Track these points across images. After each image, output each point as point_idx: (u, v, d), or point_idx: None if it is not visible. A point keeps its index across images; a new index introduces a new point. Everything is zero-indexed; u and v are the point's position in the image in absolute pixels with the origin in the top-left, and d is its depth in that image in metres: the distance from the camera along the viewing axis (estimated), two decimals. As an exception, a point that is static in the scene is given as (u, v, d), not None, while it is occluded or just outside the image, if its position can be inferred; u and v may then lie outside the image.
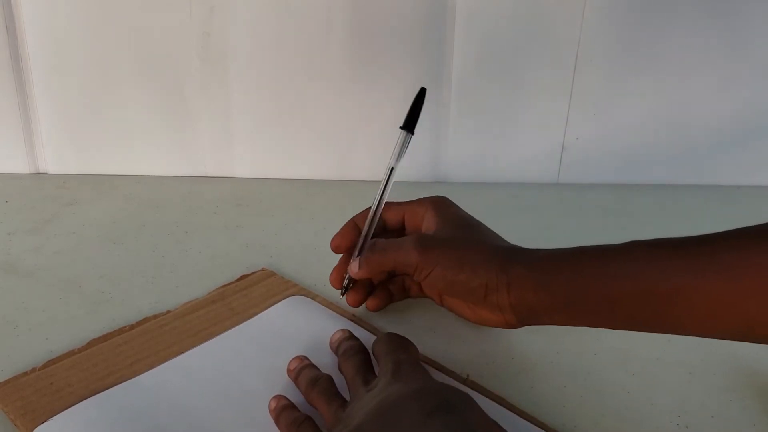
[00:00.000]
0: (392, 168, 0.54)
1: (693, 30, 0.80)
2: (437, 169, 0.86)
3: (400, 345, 0.46)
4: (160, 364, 0.50)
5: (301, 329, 0.54)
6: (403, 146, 0.54)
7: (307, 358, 0.49)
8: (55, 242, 0.70)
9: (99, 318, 0.57)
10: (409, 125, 0.54)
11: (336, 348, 0.50)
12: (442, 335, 0.55)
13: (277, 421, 0.44)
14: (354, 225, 0.56)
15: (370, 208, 0.55)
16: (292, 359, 0.49)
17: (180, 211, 0.77)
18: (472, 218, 0.54)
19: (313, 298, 0.59)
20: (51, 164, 0.85)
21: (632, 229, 0.76)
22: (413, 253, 0.50)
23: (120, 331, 0.54)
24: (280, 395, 0.45)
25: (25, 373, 0.49)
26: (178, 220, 0.75)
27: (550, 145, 0.85)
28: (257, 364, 0.50)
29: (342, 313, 0.57)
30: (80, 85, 0.82)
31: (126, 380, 0.48)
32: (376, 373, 0.45)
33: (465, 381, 0.49)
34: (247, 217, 0.77)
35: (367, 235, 0.54)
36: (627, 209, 0.81)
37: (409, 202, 0.55)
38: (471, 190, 0.83)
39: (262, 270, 0.64)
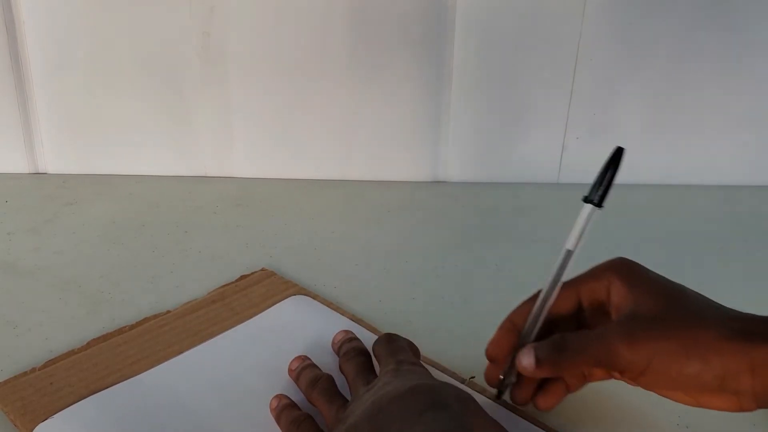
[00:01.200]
0: (569, 251, 0.42)
1: (693, 29, 0.80)
2: (437, 169, 0.86)
3: (401, 346, 0.46)
4: (160, 364, 0.50)
5: (302, 329, 0.54)
6: (585, 223, 0.42)
7: (308, 358, 0.49)
8: (55, 242, 0.70)
9: (99, 318, 0.57)
10: (597, 196, 0.43)
11: (338, 349, 0.50)
12: (443, 336, 0.55)
13: (278, 420, 0.44)
14: (511, 326, 0.45)
15: (538, 293, 0.44)
16: (293, 359, 0.49)
17: (180, 211, 0.77)
18: (674, 283, 0.43)
19: (313, 298, 0.59)
20: (51, 164, 0.85)
21: (632, 229, 0.76)
22: (621, 348, 0.40)
23: (120, 331, 0.54)
24: (281, 394, 0.45)
25: (25, 373, 0.49)
26: (178, 220, 0.75)
27: (550, 144, 0.85)
28: (257, 363, 0.50)
29: (343, 312, 0.57)
30: (80, 84, 0.82)
31: (125, 380, 0.48)
32: (377, 374, 0.45)
33: (465, 381, 0.49)
34: (247, 217, 0.76)
35: (537, 322, 0.44)
36: (627, 209, 0.81)
37: (582, 277, 0.44)
38: (471, 190, 0.83)
39: (262, 270, 0.64)
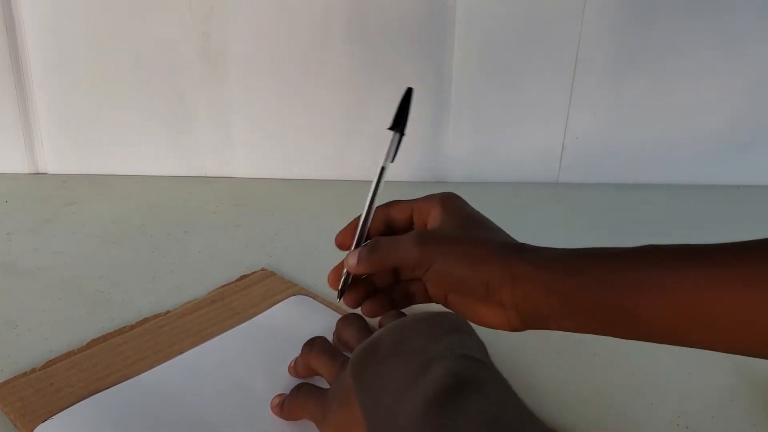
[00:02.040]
0: (383, 168, 0.52)
1: (692, 29, 0.80)
2: (437, 168, 0.86)
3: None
4: (159, 364, 0.50)
5: (302, 329, 0.54)
6: (391, 146, 0.52)
7: None
8: (55, 242, 0.70)
9: (98, 318, 0.57)
10: (397, 126, 0.52)
11: (335, 327, 0.51)
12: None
13: (280, 409, 0.44)
14: (356, 221, 0.54)
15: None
16: (292, 359, 0.49)
17: (180, 211, 0.77)
18: (480, 215, 0.51)
19: (313, 298, 0.59)
20: (51, 164, 0.85)
21: (632, 228, 0.76)
22: (413, 249, 0.47)
23: (120, 332, 0.54)
24: (282, 394, 0.45)
25: (25, 374, 0.49)
26: (178, 220, 0.75)
27: (550, 144, 0.85)
28: (257, 363, 0.50)
29: (342, 312, 0.57)
30: (80, 85, 0.82)
31: (125, 380, 0.48)
32: None
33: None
34: (247, 217, 0.76)
35: (362, 231, 0.52)
36: (627, 209, 0.81)
37: (418, 199, 0.53)
38: (471, 189, 0.83)
39: (262, 270, 0.64)
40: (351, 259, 0.50)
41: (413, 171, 0.86)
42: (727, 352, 0.38)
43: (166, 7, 0.78)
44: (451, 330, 0.37)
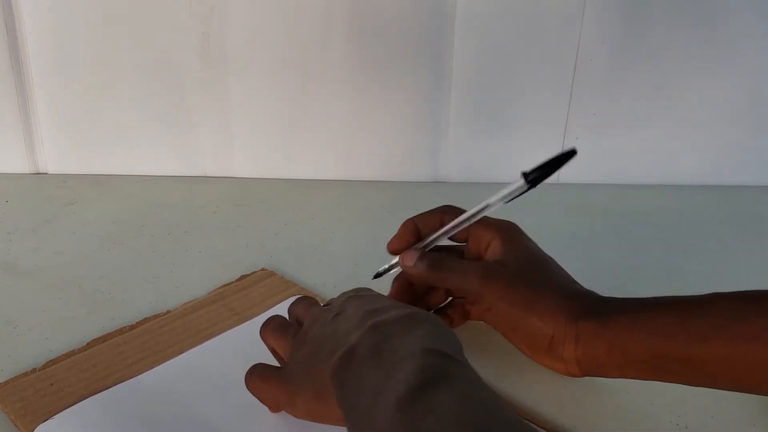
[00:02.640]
0: (488, 205, 0.49)
1: (691, 30, 0.80)
2: (437, 169, 0.86)
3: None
4: (160, 364, 0.50)
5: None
6: (513, 191, 0.48)
7: None
8: (55, 242, 0.70)
9: (99, 318, 0.57)
10: (533, 177, 0.48)
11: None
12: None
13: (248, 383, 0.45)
14: (413, 226, 0.53)
15: (442, 209, 0.53)
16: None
17: (180, 211, 0.77)
18: (543, 253, 0.50)
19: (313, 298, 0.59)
20: (51, 164, 0.85)
21: (633, 229, 0.76)
22: (476, 282, 0.47)
23: (120, 332, 0.54)
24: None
25: (25, 374, 0.49)
26: (178, 220, 0.75)
27: (550, 145, 0.85)
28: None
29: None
30: (80, 84, 0.82)
31: (126, 380, 0.48)
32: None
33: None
34: (247, 217, 0.77)
35: (431, 240, 0.52)
36: (627, 209, 0.81)
37: (476, 223, 0.51)
38: (470, 190, 0.83)
39: (262, 270, 0.64)
40: (407, 259, 0.51)
41: (413, 171, 0.86)
42: None
43: (166, 7, 0.78)
44: (424, 323, 0.38)
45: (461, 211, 0.51)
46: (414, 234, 0.53)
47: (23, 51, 0.80)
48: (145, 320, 0.56)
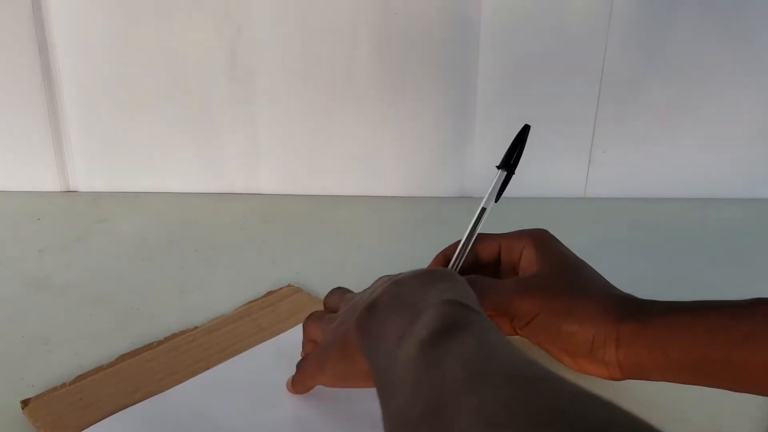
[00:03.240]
0: (483, 209, 0.51)
1: (719, 42, 0.79)
2: (463, 184, 0.86)
3: None
4: (187, 379, 0.50)
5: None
6: (496, 185, 0.50)
7: None
8: (86, 259, 0.71)
9: (128, 334, 0.57)
10: (507, 164, 0.51)
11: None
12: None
13: (293, 388, 0.48)
14: (444, 259, 0.53)
15: (459, 241, 0.53)
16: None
17: (207, 228, 0.78)
18: (577, 258, 0.50)
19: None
20: (81, 182, 0.87)
21: (660, 243, 0.75)
22: (514, 297, 0.47)
23: (148, 347, 0.54)
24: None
25: (56, 388, 0.49)
26: (206, 236, 0.76)
27: (576, 158, 0.85)
28: (284, 380, 0.50)
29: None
30: (110, 104, 0.83)
31: (154, 395, 0.48)
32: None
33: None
34: (274, 234, 0.77)
35: (457, 260, 0.52)
36: (655, 223, 0.80)
37: (506, 234, 0.52)
38: (497, 204, 0.83)
39: (289, 286, 0.64)
40: None
41: (438, 186, 0.86)
42: None
43: (194, 26, 0.79)
44: (443, 279, 0.39)
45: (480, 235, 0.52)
46: (443, 264, 0.52)
47: (55, 70, 0.81)
48: (173, 336, 0.56)
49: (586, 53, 0.80)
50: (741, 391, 0.42)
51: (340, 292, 0.49)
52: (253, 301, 0.61)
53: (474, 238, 0.51)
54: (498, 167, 0.51)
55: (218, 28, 0.79)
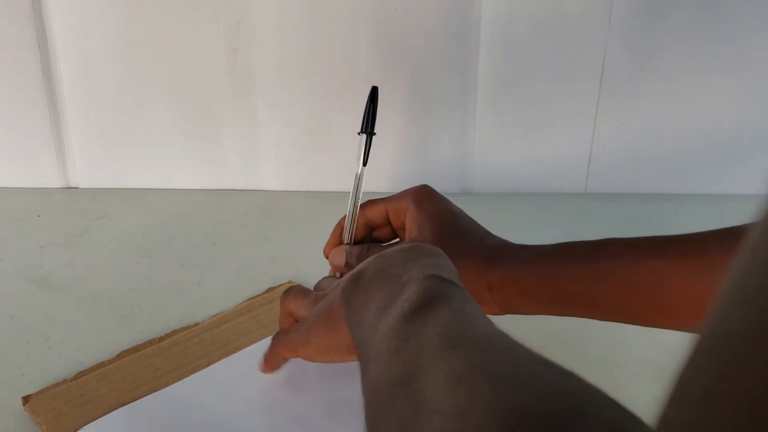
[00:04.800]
0: (357, 174, 0.54)
1: (715, 38, 0.79)
2: (464, 180, 0.86)
3: None
4: (188, 376, 0.50)
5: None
6: (360, 149, 0.54)
7: None
8: (86, 256, 0.71)
9: (128, 330, 0.57)
10: (366, 128, 0.54)
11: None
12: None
13: (266, 367, 0.48)
14: (340, 230, 0.56)
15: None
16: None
17: (208, 225, 0.78)
18: (452, 211, 0.53)
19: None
20: (82, 179, 0.87)
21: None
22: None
23: (149, 344, 0.54)
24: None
25: (57, 385, 0.49)
26: (206, 233, 0.76)
27: (577, 154, 0.85)
28: (284, 376, 0.50)
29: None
30: (111, 101, 0.83)
31: (155, 392, 0.48)
32: None
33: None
34: (274, 230, 0.77)
35: (349, 234, 0.54)
36: (656, 219, 0.80)
37: (391, 197, 0.55)
38: (498, 200, 0.83)
39: (289, 282, 0.64)
40: (338, 259, 0.52)
41: (439, 183, 0.86)
42: (685, 331, 0.42)
43: (195, 24, 0.79)
44: (427, 254, 0.40)
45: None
46: (340, 236, 0.55)
47: (55, 68, 0.81)
48: (174, 332, 0.56)
49: (586, 49, 0.80)
50: (607, 321, 0.45)
51: (332, 278, 0.51)
52: (253, 298, 0.61)
53: (358, 206, 0.54)
54: (359, 133, 0.54)
55: (219, 25, 0.79)
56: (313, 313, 0.45)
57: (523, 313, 0.48)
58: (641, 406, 0.48)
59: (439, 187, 0.87)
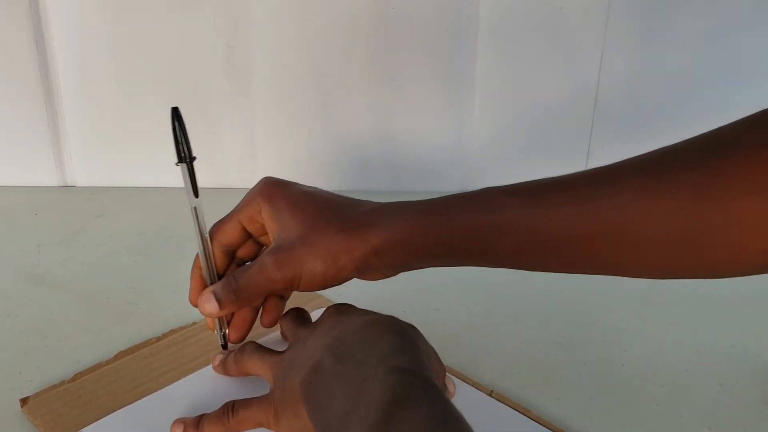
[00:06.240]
0: (193, 208, 0.48)
1: (717, 35, 0.79)
2: (462, 178, 0.86)
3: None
4: (186, 375, 0.50)
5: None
6: (186, 180, 0.47)
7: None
8: (83, 254, 0.71)
9: (126, 329, 0.57)
10: (182, 156, 0.48)
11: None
12: (466, 347, 0.55)
13: None
14: (199, 275, 0.50)
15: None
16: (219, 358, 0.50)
17: (206, 223, 0.78)
18: (307, 192, 0.48)
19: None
20: (79, 177, 0.87)
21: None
22: (275, 273, 0.45)
23: (146, 343, 0.54)
24: (175, 421, 0.44)
25: (55, 386, 0.49)
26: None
27: (575, 152, 0.85)
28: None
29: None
30: (107, 99, 0.83)
31: (153, 392, 0.48)
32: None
33: (491, 394, 0.49)
34: (272, 228, 0.77)
35: (210, 273, 0.48)
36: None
37: (238, 207, 0.50)
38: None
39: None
40: (209, 305, 0.47)
41: (437, 181, 0.86)
42: (570, 272, 0.42)
43: (191, 21, 0.79)
44: (387, 332, 0.39)
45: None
46: (203, 281, 0.49)
47: (52, 66, 0.81)
48: (172, 332, 0.56)
49: (584, 47, 0.80)
50: (503, 267, 0.44)
51: (288, 321, 0.50)
52: (251, 297, 0.61)
53: (208, 239, 0.48)
54: (177, 164, 0.48)
55: (216, 23, 0.79)
56: (275, 394, 0.43)
57: (415, 269, 0.47)
58: (641, 406, 0.48)
59: (438, 185, 0.87)
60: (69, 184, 0.87)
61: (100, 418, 0.46)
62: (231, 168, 0.86)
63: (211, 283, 0.48)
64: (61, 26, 0.79)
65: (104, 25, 0.80)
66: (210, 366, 0.51)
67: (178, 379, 0.50)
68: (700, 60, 0.80)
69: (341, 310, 0.47)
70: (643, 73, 0.81)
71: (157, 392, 0.48)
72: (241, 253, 0.51)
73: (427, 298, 0.63)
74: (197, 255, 0.49)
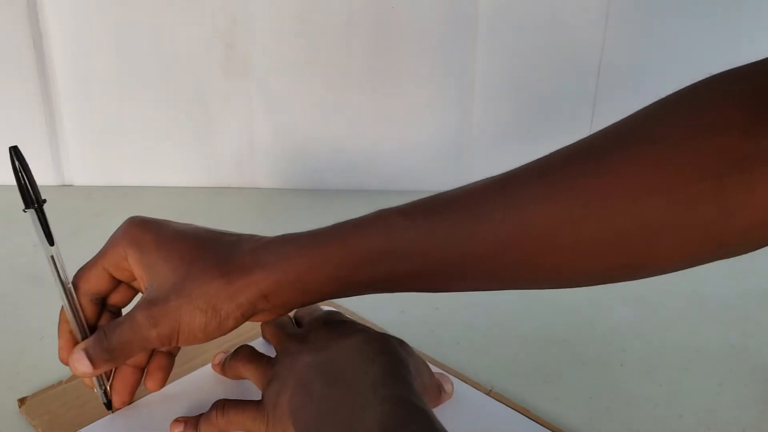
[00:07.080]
0: (50, 257, 0.43)
1: (716, 30, 0.79)
2: (461, 178, 0.86)
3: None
4: (184, 375, 0.50)
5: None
6: (37, 227, 0.43)
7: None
8: (81, 254, 0.70)
9: (124, 329, 0.57)
10: (29, 200, 0.43)
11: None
12: (466, 347, 0.55)
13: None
14: (68, 327, 0.44)
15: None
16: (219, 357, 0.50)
17: (203, 222, 0.77)
18: (179, 232, 0.44)
19: (336, 309, 0.59)
20: (77, 176, 0.86)
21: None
22: (149, 332, 0.41)
23: (145, 343, 0.54)
24: (176, 420, 0.44)
25: (53, 387, 0.49)
26: (202, 230, 0.75)
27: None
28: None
29: (366, 322, 0.56)
30: (105, 97, 0.83)
31: (152, 392, 0.48)
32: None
33: (489, 393, 0.49)
34: (270, 228, 0.76)
35: (81, 328, 0.43)
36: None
37: (102, 252, 0.44)
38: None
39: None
40: (81, 366, 0.42)
41: (436, 181, 0.86)
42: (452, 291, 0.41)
43: (190, 19, 0.79)
44: (378, 354, 0.38)
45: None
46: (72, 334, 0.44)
47: (49, 65, 0.81)
48: (170, 332, 0.56)
49: (583, 48, 0.80)
50: (403, 291, 0.42)
51: (272, 329, 0.48)
52: (250, 297, 0.61)
53: (71, 290, 0.43)
54: (24, 210, 0.43)
55: (214, 21, 0.79)
56: (267, 407, 0.41)
57: (312, 304, 0.43)
58: (640, 406, 0.48)
59: (436, 185, 0.87)
60: (67, 183, 0.87)
61: (98, 418, 0.45)
62: (229, 167, 0.86)
63: (83, 338, 0.43)
64: (59, 24, 0.79)
65: (102, 24, 0.79)
66: (209, 366, 0.51)
67: (176, 379, 0.50)
68: (700, 59, 0.80)
69: (330, 319, 0.46)
70: (642, 73, 0.81)
71: (155, 392, 0.48)
72: (114, 299, 0.46)
73: (427, 297, 0.63)
74: (62, 310, 0.44)
